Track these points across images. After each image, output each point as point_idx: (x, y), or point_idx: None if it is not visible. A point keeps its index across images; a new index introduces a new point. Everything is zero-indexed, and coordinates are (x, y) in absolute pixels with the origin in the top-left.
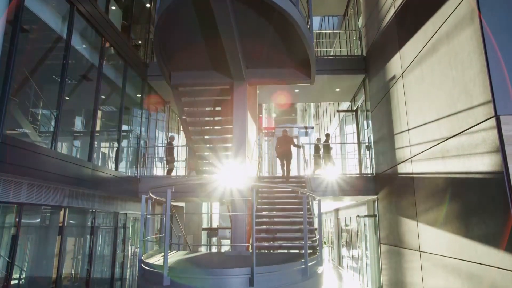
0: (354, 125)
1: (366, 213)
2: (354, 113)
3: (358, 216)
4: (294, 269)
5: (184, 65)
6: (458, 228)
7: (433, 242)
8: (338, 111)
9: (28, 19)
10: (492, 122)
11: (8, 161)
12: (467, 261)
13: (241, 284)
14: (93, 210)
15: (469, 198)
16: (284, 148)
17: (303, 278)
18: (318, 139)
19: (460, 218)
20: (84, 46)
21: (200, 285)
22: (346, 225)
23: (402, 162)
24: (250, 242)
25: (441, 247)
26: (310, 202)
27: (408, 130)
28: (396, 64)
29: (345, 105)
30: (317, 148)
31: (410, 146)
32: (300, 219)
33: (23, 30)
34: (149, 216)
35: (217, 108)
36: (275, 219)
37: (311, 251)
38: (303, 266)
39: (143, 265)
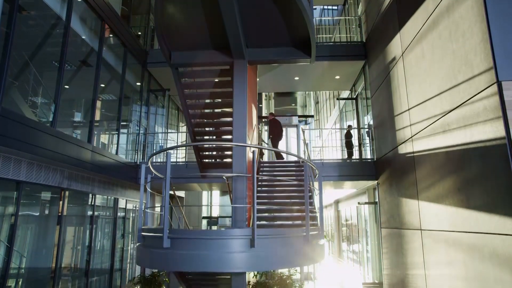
0: (355, 112)
1: (367, 201)
2: (354, 101)
3: (358, 203)
4: (295, 235)
5: (184, 44)
6: (459, 200)
7: (434, 218)
8: (338, 99)
9: None
10: (494, 88)
11: (7, 135)
12: (468, 232)
13: (241, 245)
14: (93, 194)
15: (470, 170)
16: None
17: (304, 244)
18: (350, 126)
19: (461, 191)
20: (83, 27)
21: (200, 246)
22: (347, 220)
23: (403, 142)
24: (251, 217)
25: (442, 222)
26: (311, 181)
27: (409, 109)
28: (396, 45)
29: (345, 96)
30: (348, 135)
31: (410, 125)
32: (300, 194)
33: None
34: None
35: (217, 90)
36: (276, 194)
37: (312, 223)
38: (304, 233)
39: (143, 233)
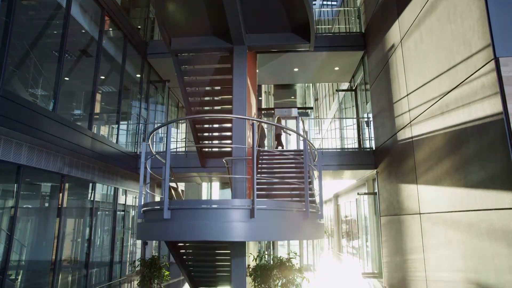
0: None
1: (366, 191)
2: (353, 92)
3: (358, 193)
4: (294, 209)
5: (184, 30)
6: (457, 180)
7: (433, 201)
8: (337, 90)
9: None
10: (492, 65)
11: (8, 116)
12: (466, 210)
13: (241, 215)
14: (93, 182)
15: (468, 148)
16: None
17: (304, 219)
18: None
19: (459, 170)
20: (84, 15)
21: (200, 216)
22: (346, 216)
23: (402, 128)
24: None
25: (440, 204)
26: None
27: (407, 95)
28: (394, 33)
29: (344, 89)
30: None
31: (409, 110)
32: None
33: None
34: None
35: (216, 77)
36: (275, 181)
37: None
38: (304, 209)
39: (143, 209)
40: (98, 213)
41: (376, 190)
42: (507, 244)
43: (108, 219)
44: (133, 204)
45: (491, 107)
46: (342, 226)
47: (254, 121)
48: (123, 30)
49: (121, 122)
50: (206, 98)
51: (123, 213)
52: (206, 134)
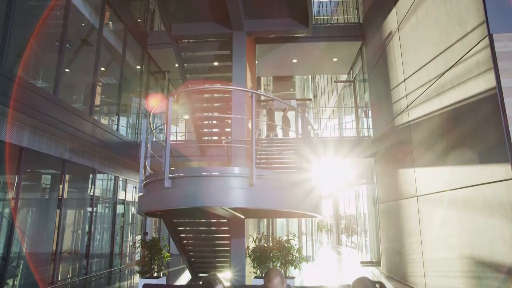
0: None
1: (365, 181)
2: (352, 83)
3: (356, 184)
4: (292, 181)
5: (184, 15)
6: (453, 158)
7: (430, 182)
8: (336, 81)
9: None
10: (486, 42)
11: (11, 97)
12: (462, 187)
13: (241, 183)
14: (94, 169)
15: (463, 126)
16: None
17: (302, 191)
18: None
19: (455, 148)
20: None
21: (201, 184)
22: (345, 212)
23: (399, 114)
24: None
25: (437, 184)
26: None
27: (404, 80)
28: (392, 20)
29: (343, 81)
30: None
31: (406, 95)
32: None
33: None
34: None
35: (216, 64)
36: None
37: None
38: (302, 182)
39: (143, 183)
40: (98, 204)
41: (375, 180)
42: (500, 215)
43: (108, 210)
44: (133, 200)
45: (485, 83)
46: (341, 222)
47: (253, 93)
48: (124, 21)
49: (121, 114)
50: (206, 85)
51: (123, 205)
52: (206, 122)
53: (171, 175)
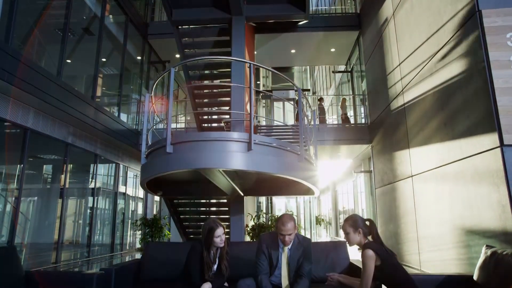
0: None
1: (362, 169)
2: (349, 73)
3: (354, 171)
4: (290, 150)
5: (185, 1)
6: (445, 134)
7: (423, 160)
8: (334, 72)
9: None
10: (474, 19)
11: (17, 75)
12: (453, 162)
13: (240, 147)
14: (96, 155)
15: (455, 102)
16: None
17: (299, 161)
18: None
19: (447, 124)
20: None
21: (201, 148)
22: (344, 207)
23: (395, 98)
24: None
25: (430, 161)
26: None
27: (399, 64)
28: (387, 7)
29: (340, 71)
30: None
31: (401, 79)
32: None
33: None
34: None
35: (215, 50)
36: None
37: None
38: (299, 152)
39: (146, 154)
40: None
41: (372, 169)
42: (488, 183)
43: (109, 201)
44: (133, 195)
45: (473, 55)
46: (340, 217)
47: (252, 64)
48: (125, 11)
49: (122, 102)
50: (206, 71)
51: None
52: (205, 100)
53: (173, 141)
